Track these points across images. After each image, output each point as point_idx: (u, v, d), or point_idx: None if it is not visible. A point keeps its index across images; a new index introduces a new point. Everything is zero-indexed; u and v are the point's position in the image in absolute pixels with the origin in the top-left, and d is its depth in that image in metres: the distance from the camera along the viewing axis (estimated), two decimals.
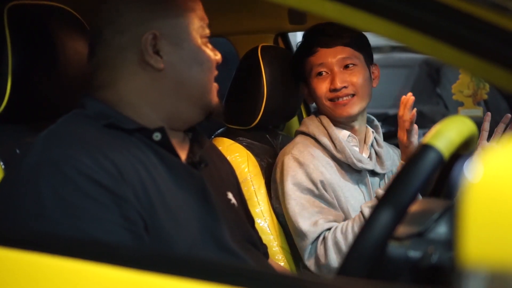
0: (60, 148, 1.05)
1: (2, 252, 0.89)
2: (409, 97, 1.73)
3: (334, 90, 1.71)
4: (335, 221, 1.65)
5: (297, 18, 2.04)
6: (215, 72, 1.22)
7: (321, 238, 1.63)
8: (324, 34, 1.73)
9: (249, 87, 1.82)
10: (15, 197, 1.03)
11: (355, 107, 1.72)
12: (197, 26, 1.18)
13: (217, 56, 1.21)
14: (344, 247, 1.60)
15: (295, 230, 1.67)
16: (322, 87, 1.73)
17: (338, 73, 1.71)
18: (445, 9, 0.79)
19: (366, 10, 0.83)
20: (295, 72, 1.83)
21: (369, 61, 1.78)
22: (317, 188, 1.66)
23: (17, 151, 1.24)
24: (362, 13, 0.83)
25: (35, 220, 1.00)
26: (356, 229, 1.59)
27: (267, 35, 2.18)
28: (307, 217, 1.64)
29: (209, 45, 1.21)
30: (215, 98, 1.22)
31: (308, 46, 1.77)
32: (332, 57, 1.72)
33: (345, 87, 1.71)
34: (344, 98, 1.71)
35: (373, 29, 0.84)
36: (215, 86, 1.22)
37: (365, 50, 1.77)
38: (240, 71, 1.89)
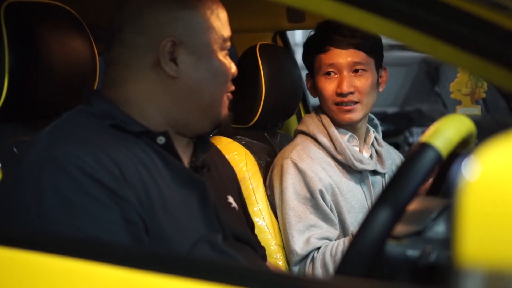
0: (63, 146, 1.04)
1: (1, 251, 0.89)
2: None
3: (341, 94, 1.69)
4: (327, 238, 1.64)
5: (295, 16, 2.04)
6: (232, 87, 1.21)
7: (310, 257, 1.63)
8: (338, 33, 1.69)
9: (247, 86, 1.81)
10: (16, 194, 1.03)
11: (358, 114, 1.71)
12: (220, 38, 1.16)
13: (233, 69, 1.20)
14: (332, 270, 1.58)
15: (287, 243, 1.66)
16: (329, 88, 1.71)
17: (347, 77, 1.68)
18: (444, 7, 0.79)
19: (364, 8, 0.83)
20: (304, 62, 1.80)
21: (379, 65, 1.75)
22: (314, 198, 1.65)
23: (15, 149, 1.24)
24: (360, 11, 0.83)
25: (36, 218, 1.00)
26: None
27: (266, 34, 2.18)
28: (302, 231, 1.64)
29: (228, 58, 1.20)
30: (224, 111, 1.20)
31: (320, 42, 1.73)
32: (343, 59, 1.69)
33: (351, 92, 1.68)
34: (349, 104, 1.70)
35: (371, 27, 0.84)
36: (228, 96, 1.21)
37: (378, 54, 1.74)
38: (238, 69, 1.88)
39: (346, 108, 1.70)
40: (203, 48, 1.15)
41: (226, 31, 1.18)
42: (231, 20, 2.13)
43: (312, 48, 1.75)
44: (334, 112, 1.72)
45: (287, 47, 2.23)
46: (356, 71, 1.70)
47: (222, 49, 1.17)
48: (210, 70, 1.15)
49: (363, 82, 1.70)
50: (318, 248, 1.63)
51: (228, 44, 1.19)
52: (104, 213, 1.00)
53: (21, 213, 1.01)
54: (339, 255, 1.58)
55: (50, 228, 0.99)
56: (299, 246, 1.63)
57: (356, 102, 1.70)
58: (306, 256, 1.63)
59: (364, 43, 1.70)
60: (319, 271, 1.60)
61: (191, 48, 1.14)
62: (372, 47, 1.72)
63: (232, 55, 2.15)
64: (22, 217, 1.01)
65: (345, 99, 1.69)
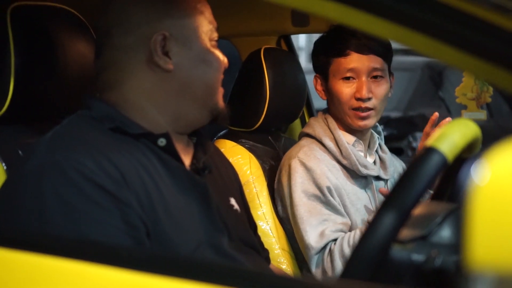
0: (64, 151, 1.04)
1: (3, 253, 0.89)
2: (437, 116, 1.70)
3: (360, 99, 1.68)
4: (341, 230, 1.64)
5: (300, 20, 2.04)
6: (222, 76, 1.22)
7: (327, 250, 1.62)
8: (358, 37, 1.68)
9: (251, 89, 1.82)
10: (18, 199, 1.03)
11: (371, 121, 1.71)
12: (206, 28, 1.18)
13: (225, 60, 1.21)
14: None
15: (301, 239, 1.66)
16: (347, 93, 1.70)
17: (366, 82, 1.68)
18: (449, 10, 0.79)
19: (369, 11, 0.83)
20: (315, 63, 1.79)
21: (390, 71, 1.76)
22: (324, 195, 1.65)
23: (20, 152, 1.24)
24: (366, 15, 0.83)
25: (37, 223, 1.00)
26: None
27: (270, 37, 2.18)
28: (315, 225, 1.63)
29: (218, 49, 1.21)
30: (221, 101, 1.21)
31: (338, 45, 1.71)
32: (364, 64, 1.68)
33: (369, 98, 1.68)
34: (365, 111, 1.69)
35: (376, 30, 0.84)
36: (221, 90, 1.22)
37: (390, 60, 1.75)
38: (242, 73, 1.88)
39: (363, 114, 1.69)
40: (193, 38, 1.16)
41: (211, 22, 1.20)
42: (236, 24, 2.14)
43: (328, 50, 1.74)
44: (349, 117, 1.71)
45: (292, 51, 2.23)
46: (374, 77, 1.70)
47: (210, 39, 1.19)
48: (203, 58, 1.17)
49: (380, 88, 1.70)
50: (335, 240, 1.62)
51: (215, 35, 1.20)
52: (105, 217, 1.00)
53: (23, 218, 1.01)
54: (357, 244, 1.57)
55: (52, 233, 0.99)
56: (314, 239, 1.62)
57: (371, 109, 1.70)
58: (323, 249, 1.63)
59: (381, 49, 1.70)
60: (338, 263, 1.59)
61: (181, 40, 1.15)
62: (387, 53, 1.72)
63: (236, 58, 2.16)
64: (24, 222, 1.01)
65: (362, 104, 1.68)
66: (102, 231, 1.00)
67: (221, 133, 1.91)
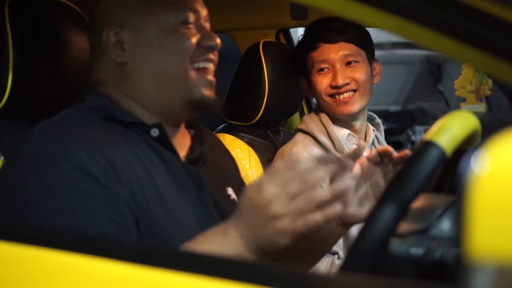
0: (55, 140, 1.04)
1: (3, 246, 0.89)
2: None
3: (336, 87, 1.70)
4: None
5: (299, 13, 2.04)
6: (210, 66, 1.16)
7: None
8: (327, 29, 1.72)
9: (250, 83, 1.81)
10: (5, 187, 1.03)
11: (356, 105, 1.71)
12: (164, 14, 1.12)
13: (213, 41, 1.14)
14: None
15: None
16: (323, 83, 1.72)
17: (340, 69, 1.70)
18: (450, 2, 0.79)
19: (369, 4, 0.82)
20: (296, 65, 1.82)
21: (371, 57, 1.77)
22: None
23: None
24: (365, 7, 0.82)
25: (23, 211, 1.00)
26: None
27: (269, 31, 2.18)
28: None
29: (196, 30, 1.14)
30: (199, 88, 1.14)
31: (310, 41, 1.75)
32: (335, 53, 1.71)
33: (347, 83, 1.70)
34: (345, 95, 1.70)
35: (376, 23, 0.83)
36: (209, 80, 1.16)
37: (368, 46, 1.76)
38: (241, 67, 1.88)
39: (343, 99, 1.71)
40: (144, 25, 1.13)
41: (181, 3, 1.14)
42: (234, 18, 2.14)
43: (303, 48, 1.77)
44: (331, 105, 1.73)
45: (291, 45, 2.23)
46: (349, 63, 1.71)
47: (183, 22, 1.13)
48: (157, 44, 1.12)
49: (358, 73, 1.72)
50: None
51: (191, 17, 1.13)
52: (92, 205, 1.00)
53: (9, 206, 1.01)
54: None
55: (38, 221, 0.99)
56: None
57: (354, 91, 1.71)
58: None
59: (353, 36, 1.72)
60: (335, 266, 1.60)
61: (133, 29, 1.13)
62: (361, 39, 1.74)
63: (235, 52, 2.16)
64: (9, 210, 1.01)
65: (340, 90, 1.70)
66: (87, 218, 0.99)
67: (220, 127, 1.91)
